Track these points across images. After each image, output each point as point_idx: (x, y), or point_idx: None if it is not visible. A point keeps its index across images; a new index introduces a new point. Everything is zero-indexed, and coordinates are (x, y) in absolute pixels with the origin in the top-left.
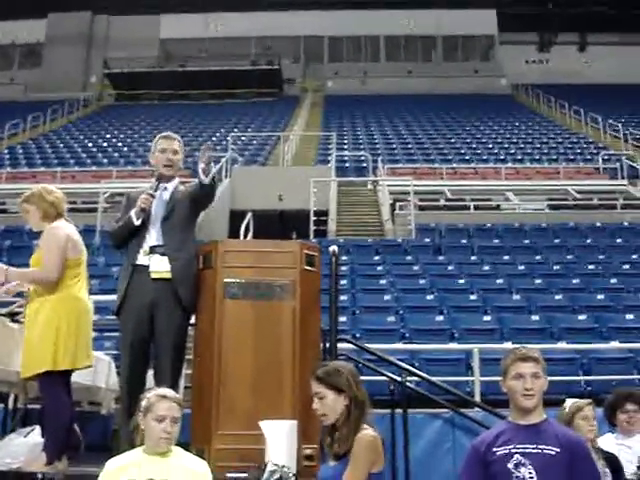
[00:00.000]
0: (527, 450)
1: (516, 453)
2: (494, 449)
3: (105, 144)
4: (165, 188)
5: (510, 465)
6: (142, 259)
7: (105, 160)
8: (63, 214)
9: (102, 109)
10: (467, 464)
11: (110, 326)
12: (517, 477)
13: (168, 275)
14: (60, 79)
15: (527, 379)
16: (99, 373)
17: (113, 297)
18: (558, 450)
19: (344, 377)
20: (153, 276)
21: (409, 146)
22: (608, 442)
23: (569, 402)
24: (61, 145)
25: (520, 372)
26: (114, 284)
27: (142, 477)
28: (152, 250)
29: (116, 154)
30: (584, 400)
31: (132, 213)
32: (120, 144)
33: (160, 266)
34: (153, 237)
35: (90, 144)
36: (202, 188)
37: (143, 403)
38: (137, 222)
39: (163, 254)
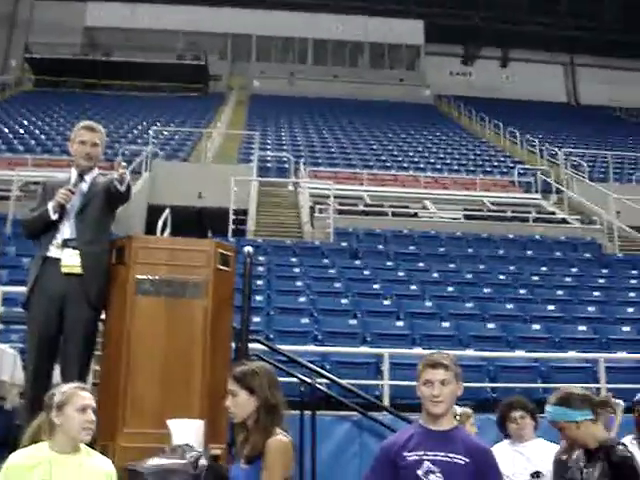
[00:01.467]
0: (437, 458)
1: (426, 460)
2: (404, 453)
3: (22, 130)
4: (83, 180)
5: (420, 472)
6: (54, 252)
7: (21, 147)
8: None
9: (21, 94)
10: (376, 465)
11: (17, 319)
12: None
13: (79, 270)
14: None
15: (435, 385)
16: (4, 366)
17: (23, 289)
18: (467, 460)
19: (258, 379)
20: (64, 270)
21: (332, 150)
22: (503, 449)
23: (457, 410)
24: None
25: (429, 378)
26: (24, 275)
27: (53, 477)
28: (65, 243)
29: (33, 141)
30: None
31: (49, 206)
32: (37, 131)
33: (71, 260)
34: (67, 230)
35: (6, 130)
36: (117, 194)
37: (56, 398)
38: (54, 217)
39: (75, 248)
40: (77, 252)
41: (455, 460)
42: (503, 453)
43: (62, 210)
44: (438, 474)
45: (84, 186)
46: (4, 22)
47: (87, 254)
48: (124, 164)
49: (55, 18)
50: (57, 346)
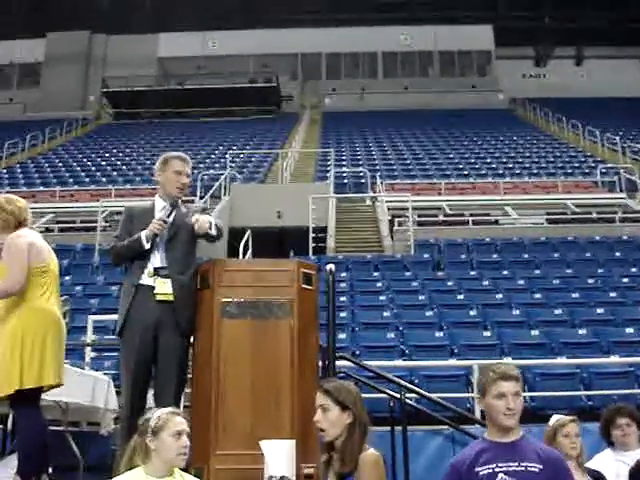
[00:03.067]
0: (511, 468)
1: (500, 472)
2: (476, 469)
3: (103, 163)
4: (175, 210)
5: None
6: (146, 280)
7: (104, 179)
8: (25, 223)
9: (100, 128)
10: None
11: (109, 346)
12: None
13: (171, 297)
14: (59, 98)
15: (509, 398)
16: (98, 393)
17: (112, 316)
18: (541, 467)
19: (352, 395)
20: (158, 298)
21: (407, 162)
22: (607, 458)
23: (554, 418)
24: (60, 164)
25: (502, 391)
26: (113, 303)
27: None
28: (156, 272)
29: (114, 172)
30: (567, 417)
31: (142, 235)
32: (119, 162)
33: (164, 288)
34: (157, 258)
35: (89, 163)
36: (211, 238)
37: (152, 423)
38: (147, 246)
39: (166, 276)
40: (169, 280)
41: (530, 468)
42: (606, 462)
43: (154, 239)
44: None
45: (170, 216)
46: (81, 59)
47: (177, 282)
48: (201, 218)
49: (129, 51)
50: (150, 372)
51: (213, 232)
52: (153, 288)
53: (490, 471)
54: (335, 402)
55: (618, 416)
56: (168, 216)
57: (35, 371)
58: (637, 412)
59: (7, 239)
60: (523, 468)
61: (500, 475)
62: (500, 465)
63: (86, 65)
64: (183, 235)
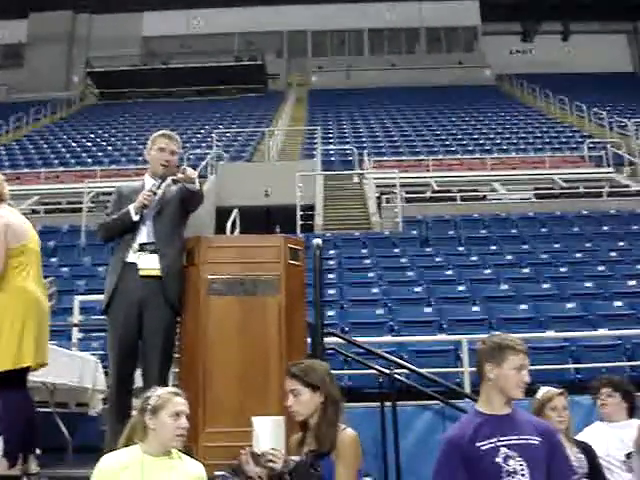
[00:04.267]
0: (512, 442)
1: (502, 446)
2: (477, 444)
3: (89, 143)
4: (163, 183)
5: (499, 459)
6: (132, 256)
7: (89, 160)
8: (3, 197)
9: (85, 108)
10: (446, 460)
11: (97, 326)
12: (507, 471)
13: (157, 273)
14: (42, 79)
15: (525, 373)
16: (86, 374)
17: (99, 297)
18: (540, 439)
19: (320, 374)
20: (142, 273)
21: (394, 138)
22: (598, 429)
23: (541, 391)
24: (45, 145)
25: (523, 363)
26: (100, 284)
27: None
28: (142, 247)
29: (100, 153)
30: (555, 390)
31: (131, 208)
32: (104, 143)
33: (149, 264)
34: (143, 234)
35: (74, 144)
36: (191, 194)
37: (152, 402)
38: (135, 217)
39: (153, 251)
40: (155, 256)
41: (530, 441)
42: (597, 433)
43: (143, 212)
44: (518, 458)
45: (158, 192)
46: (64, 39)
47: (164, 257)
48: (189, 169)
49: (113, 31)
50: (137, 350)
51: (197, 186)
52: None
53: (492, 445)
54: (304, 385)
55: (601, 387)
56: (158, 188)
57: (12, 352)
58: (622, 383)
59: None
60: (524, 441)
61: (503, 449)
62: (501, 439)
63: (69, 45)
64: (170, 210)
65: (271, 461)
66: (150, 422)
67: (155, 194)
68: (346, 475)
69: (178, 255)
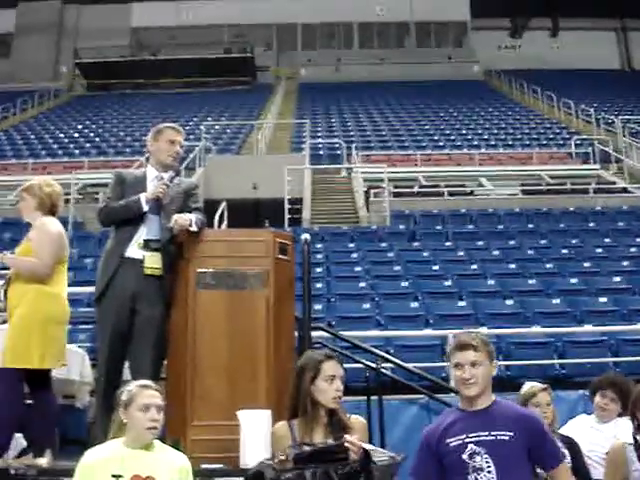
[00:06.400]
0: (480, 438)
1: (470, 443)
2: (447, 440)
3: (77, 135)
4: (162, 178)
5: (465, 456)
6: (134, 251)
7: (77, 151)
8: (56, 210)
9: (73, 99)
10: (418, 454)
11: (84, 318)
12: (474, 467)
13: (159, 272)
14: (30, 70)
15: (465, 369)
16: (73, 365)
17: (86, 289)
18: (512, 434)
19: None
20: (147, 272)
21: (383, 133)
22: (582, 425)
23: (525, 387)
24: (32, 136)
25: (459, 361)
26: (88, 276)
27: (126, 472)
28: (147, 244)
29: (88, 144)
30: (539, 385)
31: (143, 197)
32: (92, 134)
33: (153, 262)
34: (147, 229)
35: (61, 135)
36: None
37: (123, 397)
38: (146, 208)
39: (156, 249)
40: (158, 254)
41: (499, 437)
42: (582, 428)
43: (156, 204)
44: (484, 455)
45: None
46: (53, 30)
47: (166, 255)
48: (180, 218)
49: (101, 22)
50: (127, 344)
51: (194, 228)
52: (141, 261)
53: (460, 442)
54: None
55: (607, 387)
56: (171, 181)
57: (42, 353)
58: (628, 389)
59: (39, 221)
60: (493, 437)
61: (470, 446)
62: (470, 435)
63: (58, 36)
64: (175, 207)
65: (347, 450)
66: (124, 417)
67: (169, 187)
68: None
69: (176, 251)
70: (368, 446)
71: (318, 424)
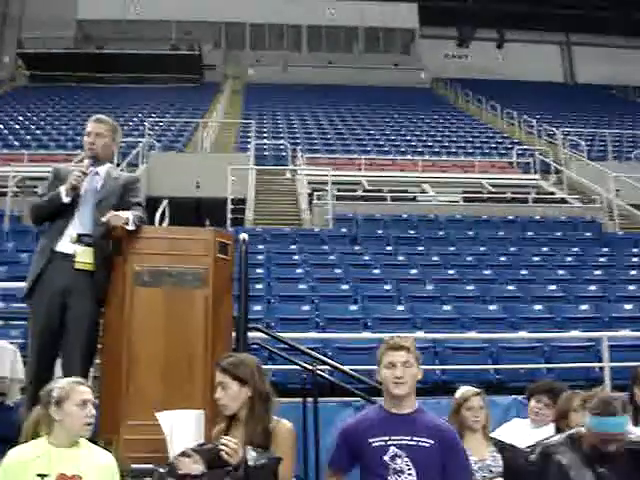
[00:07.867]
0: (403, 442)
1: (392, 445)
2: (369, 440)
3: (17, 126)
4: (97, 173)
5: (386, 457)
6: (65, 246)
7: (16, 143)
8: None
9: (15, 90)
10: (335, 447)
11: (17, 314)
12: (394, 469)
13: (91, 267)
14: None
15: (398, 367)
16: (4, 362)
17: (21, 284)
18: (432, 442)
19: (250, 368)
20: (77, 267)
21: (328, 136)
22: (518, 428)
23: (460, 391)
24: None
25: (391, 361)
26: (23, 270)
27: (53, 471)
28: (79, 238)
29: (28, 137)
30: (473, 389)
31: (62, 189)
32: (33, 127)
33: (86, 257)
34: (80, 224)
35: (1, 126)
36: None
37: (55, 393)
38: (66, 199)
39: (89, 244)
40: (91, 249)
41: (421, 443)
42: (514, 432)
43: (74, 194)
44: (405, 458)
45: (98, 180)
46: None
47: (99, 250)
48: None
49: (47, 12)
50: (58, 340)
51: (130, 227)
52: (72, 255)
53: (383, 443)
54: (233, 378)
55: (542, 393)
56: (87, 168)
57: None
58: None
59: None
60: (415, 443)
61: (392, 448)
62: (393, 438)
63: (1, 25)
64: (112, 201)
65: (227, 454)
66: (55, 414)
67: (86, 174)
68: (286, 465)
69: (109, 246)
70: (248, 448)
71: (235, 428)
